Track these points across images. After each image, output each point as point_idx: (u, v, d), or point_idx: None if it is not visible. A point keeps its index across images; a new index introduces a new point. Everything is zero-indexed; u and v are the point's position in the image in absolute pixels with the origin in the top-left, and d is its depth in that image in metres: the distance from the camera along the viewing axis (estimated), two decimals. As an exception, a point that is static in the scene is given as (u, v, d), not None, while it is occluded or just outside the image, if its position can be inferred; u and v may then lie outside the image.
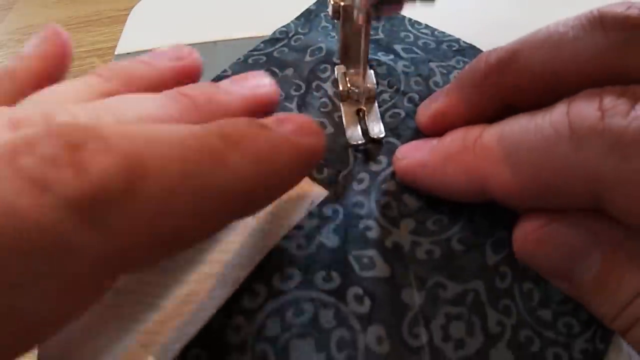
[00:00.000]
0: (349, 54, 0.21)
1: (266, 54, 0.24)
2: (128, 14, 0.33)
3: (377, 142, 0.20)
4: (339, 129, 0.21)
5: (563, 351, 0.15)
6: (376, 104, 0.21)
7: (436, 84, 0.22)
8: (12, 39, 0.37)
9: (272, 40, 0.25)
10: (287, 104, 0.22)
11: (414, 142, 0.18)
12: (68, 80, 0.17)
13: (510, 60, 0.16)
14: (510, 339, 0.15)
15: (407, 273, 0.16)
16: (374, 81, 0.21)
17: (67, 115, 0.13)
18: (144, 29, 0.32)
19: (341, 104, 0.21)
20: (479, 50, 0.24)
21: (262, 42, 0.25)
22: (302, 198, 0.18)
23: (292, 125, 0.14)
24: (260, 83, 0.18)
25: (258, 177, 0.12)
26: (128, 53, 0.30)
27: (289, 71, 0.23)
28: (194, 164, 0.11)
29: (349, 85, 0.21)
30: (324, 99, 0.22)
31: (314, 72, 0.23)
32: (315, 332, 0.15)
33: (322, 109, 0.22)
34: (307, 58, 0.24)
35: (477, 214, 0.17)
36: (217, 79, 0.23)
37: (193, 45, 0.26)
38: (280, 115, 0.15)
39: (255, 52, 0.24)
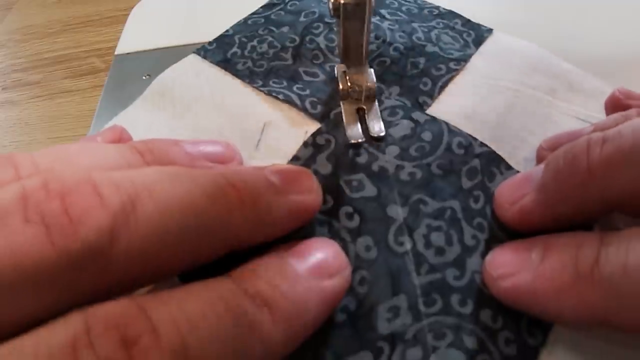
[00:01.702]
0: (349, 53, 0.21)
1: (264, 16, 0.27)
2: (128, 14, 0.33)
3: (378, 140, 0.20)
4: (330, 76, 0.23)
5: None
6: (376, 103, 0.21)
7: (419, 38, 0.25)
8: (12, 39, 0.37)
9: (270, 5, 0.27)
10: (282, 54, 0.24)
11: (503, 253, 0.16)
12: (107, 145, 0.16)
13: (622, 161, 0.13)
14: (484, 251, 0.17)
15: (392, 192, 0.18)
16: (374, 80, 0.21)
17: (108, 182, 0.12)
18: (144, 29, 0.32)
19: (341, 103, 0.21)
20: (457, 15, 0.26)
21: (260, 7, 0.27)
22: (297, 129, 0.21)
23: (326, 266, 0.14)
24: (309, 187, 0.16)
25: (288, 341, 0.13)
26: (128, 53, 0.30)
27: (285, 28, 0.26)
28: (231, 341, 0.11)
29: (349, 84, 0.21)
30: (316, 51, 0.24)
31: (308, 28, 0.25)
32: None
33: (314, 61, 0.24)
34: (302, 19, 0.26)
35: (455, 144, 0.20)
36: (220, 38, 0.26)
37: (193, 45, 0.27)
38: (319, 251, 0.15)
39: (254, 15, 0.27)
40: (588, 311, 0.13)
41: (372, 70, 0.21)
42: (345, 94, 0.21)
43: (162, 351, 0.10)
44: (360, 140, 0.19)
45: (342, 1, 0.19)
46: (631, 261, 0.12)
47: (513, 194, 0.17)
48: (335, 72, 0.22)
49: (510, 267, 0.15)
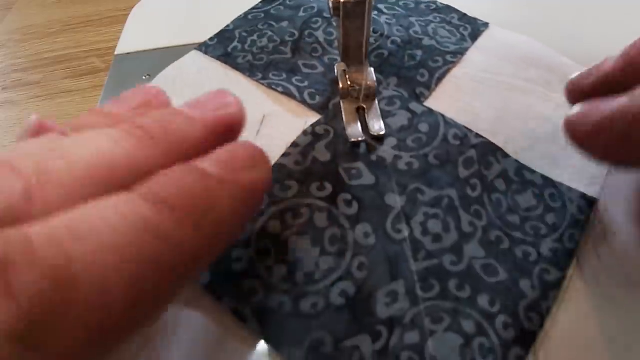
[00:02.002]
0: (349, 52, 0.21)
1: (264, 11, 0.27)
2: (128, 14, 0.33)
3: (378, 139, 0.20)
4: (329, 68, 0.23)
5: (532, 249, 0.17)
6: (376, 101, 0.21)
7: (416, 32, 0.25)
8: (12, 39, 0.37)
9: (269, 0, 0.28)
10: (282, 47, 0.25)
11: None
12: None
13: None
14: (482, 238, 0.17)
15: (390, 181, 0.19)
16: (374, 78, 0.21)
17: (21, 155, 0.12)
18: (144, 29, 0.32)
19: (341, 102, 0.21)
20: (454, 10, 0.27)
21: (260, 2, 0.28)
22: (297, 120, 0.21)
23: (235, 160, 0.13)
24: (224, 102, 0.16)
25: (200, 239, 0.12)
26: (128, 53, 0.30)
27: (285, 23, 0.26)
28: (127, 248, 0.11)
29: (349, 82, 0.21)
30: (315, 45, 0.25)
31: (307, 23, 0.26)
32: (311, 231, 0.17)
33: (313, 54, 0.24)
34: (301, 14, 0.27)
35: (451, 136, 0.20)
36: (221, 33, 0.26)
37: (193, 45, 0.27)
38: (227, 149, 0.14)
39: (254, 10, 0.27)
40: None
41: (372, 69, 0.21)
42: (345, 92, 0.21)
43: (41, 267, 0.10)
44: (360, 139, 0.20)
45: (342, 0, 0.19)
46: None
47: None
48: (335, 70, 0.22)
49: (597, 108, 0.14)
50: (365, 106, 0.21)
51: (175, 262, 0.11)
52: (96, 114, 0.16)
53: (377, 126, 0.20)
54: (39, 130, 0.16)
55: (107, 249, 0.10)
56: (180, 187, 0.12)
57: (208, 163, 0.13)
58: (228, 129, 0.16)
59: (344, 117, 0.21)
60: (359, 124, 0.20)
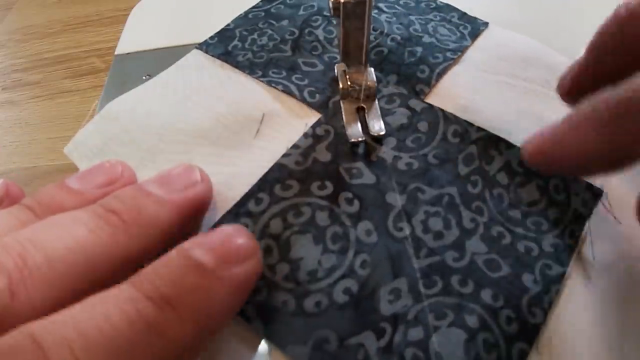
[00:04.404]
0: (349, 52, 0.21)
1: (264, 10, 0.27)
2: (128, 14, 0.33)
3: (377, 140, 0.20)
4: (328, 66, 0.23)
5: (534, 244, 0.17)
6: (376, 102, 0.21)
7: (416, 30, 0.25)
8: (12, 39, 0.37)
9: None
10: (282, 46, 0.25)
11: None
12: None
13: None
14: (483, 233, 0.17)
15: (390, 180, 0.19)
16: (374, 79, 0.21)
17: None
18: (144, 29, 0.32)
19: (341, 102, 0.21)
20: (454, 8, 0.27)
21: (260, 1, 0.28)
22: (297, 120, 0.21)
23: (230, 253, 0.14)
24: (192, 180, 0.17)
25: (198, 333, 0.12)
26: (128, 53, 0.30)
27: (285, 22, 0.26)
28: (133, 349, 0.11)
29: (349, 83, 0.21)
30: (315, 43, 0.25)
31: (307, 22, 0.26)
32: (313, 229, 0.18)
33: (313, 52, 0.24)
34: (301, 12, 0.27)
35: (450, 133, 0.20)
36: (221, 32, 0.26)
37: (193, 45, 0.27)
38: (220, 236, 0.14)
39: (254, 9, 0.27)
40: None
41: (372, 69, 0.21)
42: (345, 93, 0.21)
43: None
44: (360, 140, 0.20)
45: (342, 0, 0.19)
46: None
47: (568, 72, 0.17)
48: (335, 71, 0.22)
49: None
50: (365, 106, 0.21)
51: (175, 355, 0.12)
52: (62, 190, 0.17)
53: (377, 126, 0.20)
54: (3, 197, 0.17)
55: (115, 354, 0.11)
56: (182, 284, 0.13)
57: (203, 254, 0.13)
58: (197, 209, 0.16)
59: (344, 117, 0.21)
60: (359, 125, 0.20)
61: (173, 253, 0.13)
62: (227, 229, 0.15)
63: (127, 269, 0.14)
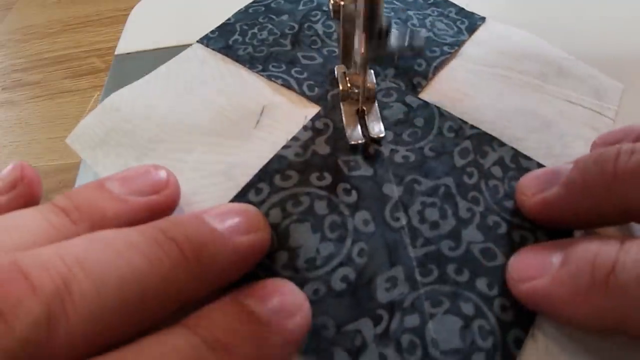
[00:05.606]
0: (349, 54, 0.21)
1: (264, 4, 0.28)
2: (128, 14, 0.33)
3: (377, 142, 0.20)
4: (327, 60, 0.24)
5: (529, 234, 0.17)
6: (376, 104, 0.21)
7: (414, 25, 0.26)
8: (12, 39, 0.37)
9: None
10: (281, 40, 0.25)
11: (525, 256, 0.16)
12: (25, 210, 0.14)
13: None
14: (480, 223, 0.18)
15: (387, 173, 0.19)
16: (374, 81, 0.21)
17: (37, 269, 0.11)
18: (144, 29, 0.32)
19: (341, 104, 0.21)
20: (451, 3, 0.27)
21: None
22: (296, 112, 0.22)
23: (283, 308, 0.14)
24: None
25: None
26: (128, 53, 0.30)
27: (284, 16, 0.27)
28: None
29: (349, 85, 0.21)
30: (314, 37, 0.25)
31: (306, 16, 0.27)
32: (311, 218, 0.18)
33: (312, 46, 0.25)
34: (300, 7, 0.27)
35: (445, 128, 0.21)
36: (222, 26, 0.27)
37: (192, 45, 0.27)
38: (270, 289, 0.14)
39: (255, 4, 0.28)
40: (601, 319, 0.13)
41: (371, 71, 0.21)
42: (345, 95, 0.21)
43: None
44: (360, 142, 0.20)
45: (342, 3, 0.19)
46: None
47: (537, 185, 0.17)
48: (335, 72, 0.22)
49: (531, 271, 0.15)
50: (365, 108, 0.21)
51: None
52: (103, 194, 0.15)
53: (377, 128, 0.20)
54: (17, 179, 0.16)
55: None
56: (239, 334, 0.12)
57: (260, 306, 0.13)
58: (256, 256, 0.15)
59: (343, 119, 0.21)
60: (359, 127, 0.20)
61: (227, 299, 0.13)
62: (275, 283, 0.14)
63: (176, 308, 0.13)
